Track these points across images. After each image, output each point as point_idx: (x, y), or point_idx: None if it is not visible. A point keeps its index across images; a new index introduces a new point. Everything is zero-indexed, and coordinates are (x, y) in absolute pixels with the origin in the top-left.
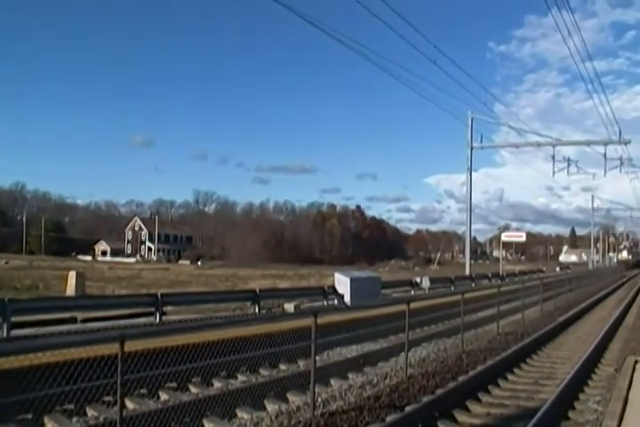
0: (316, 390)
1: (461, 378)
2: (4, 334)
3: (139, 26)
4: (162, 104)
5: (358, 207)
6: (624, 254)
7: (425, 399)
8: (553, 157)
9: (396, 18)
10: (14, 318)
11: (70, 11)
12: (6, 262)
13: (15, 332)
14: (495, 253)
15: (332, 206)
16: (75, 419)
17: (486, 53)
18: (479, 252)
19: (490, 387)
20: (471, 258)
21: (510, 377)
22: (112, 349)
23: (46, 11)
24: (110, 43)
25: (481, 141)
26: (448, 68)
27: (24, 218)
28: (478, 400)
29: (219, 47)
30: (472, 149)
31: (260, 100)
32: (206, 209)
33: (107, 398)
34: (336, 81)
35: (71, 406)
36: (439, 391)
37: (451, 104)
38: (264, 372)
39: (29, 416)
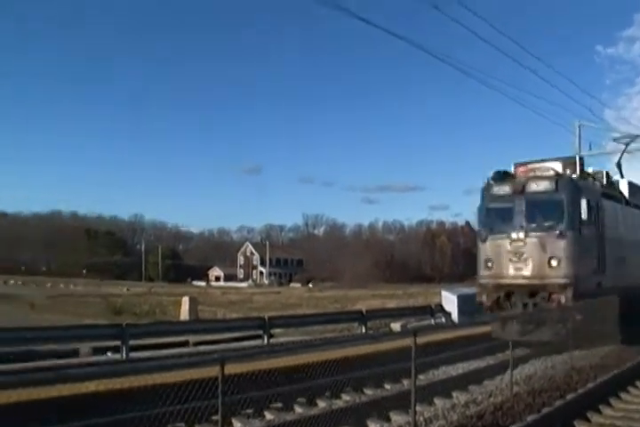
0: (419, 408)
1: (570, 396)
2: (124, 357)
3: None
4: (267, 131)
5: (467, 223)
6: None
7: (529, 418)
8: None
9: (497, 33)
10: (132, 342)
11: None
12: (127, 289)
13: (133, 354)
14: None
15: (441, 223)
16: None
17: (594, 57)
18: None
19: (600, 406)
20: None
21: (623, 396)
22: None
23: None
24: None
25: (589, 149)
26: (550, 77)
27: (142, 247)
28: (587, 420)
29: (317, 70)
30: (581, 158)
31: (362, 121)
32: (316, 232)
33: (214, 418)
34: (439, 97)
35: (182, 425)
36: (545, 410)
37: (554, 112)
38: (368, 391)
39: None
